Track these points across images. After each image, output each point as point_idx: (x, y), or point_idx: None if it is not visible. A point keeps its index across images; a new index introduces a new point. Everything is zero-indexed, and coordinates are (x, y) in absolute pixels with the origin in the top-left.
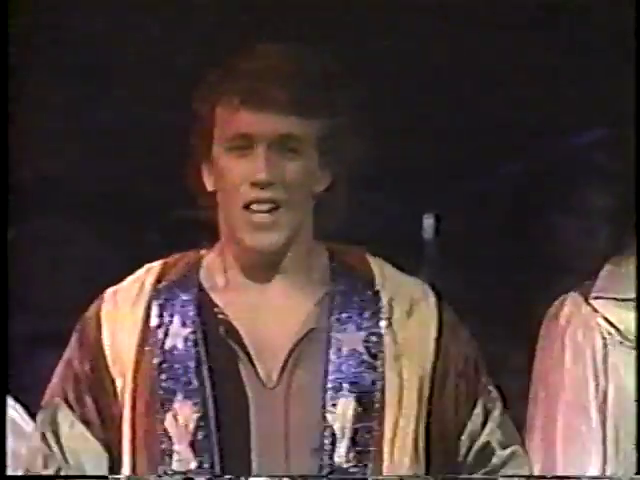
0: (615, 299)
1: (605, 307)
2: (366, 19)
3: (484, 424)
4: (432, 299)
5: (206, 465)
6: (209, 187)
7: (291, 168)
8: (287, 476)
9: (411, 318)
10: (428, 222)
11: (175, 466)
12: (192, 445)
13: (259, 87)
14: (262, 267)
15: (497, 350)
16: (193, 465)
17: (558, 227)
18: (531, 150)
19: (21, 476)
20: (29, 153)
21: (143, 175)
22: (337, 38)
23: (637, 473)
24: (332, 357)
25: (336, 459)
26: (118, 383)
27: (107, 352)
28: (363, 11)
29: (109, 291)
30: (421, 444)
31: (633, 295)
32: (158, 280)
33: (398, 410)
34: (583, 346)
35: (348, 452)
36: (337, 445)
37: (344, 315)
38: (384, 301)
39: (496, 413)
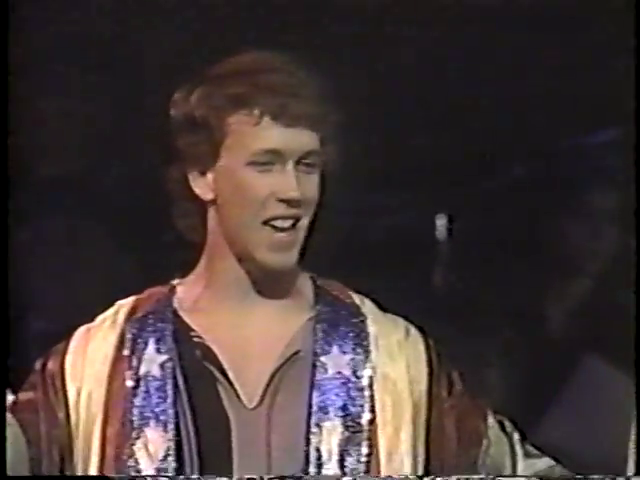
0: None
1: None
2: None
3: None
4: (416, 331)
5: None
6: (206, 196)
7: (311, 182)
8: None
9: (398, 344)
10: (441, 222)
11: None
12: (159, 472)
13: (289, 103)
14: (264, 284)
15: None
16: None
17: (568, 228)
18: (543, 151)
19: (21, 476)
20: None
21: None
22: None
23: (637, 473)
24: (317, 380)
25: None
26: (70, 399)
27: (68, 382)
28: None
29: (80, 329)
30: (420, 464)
31: None
32: (131, 314)
33: (389, 432)
34: None
35: (337, 477)
36: (324, 467)
37: (329, 339)
38: (370, 328)
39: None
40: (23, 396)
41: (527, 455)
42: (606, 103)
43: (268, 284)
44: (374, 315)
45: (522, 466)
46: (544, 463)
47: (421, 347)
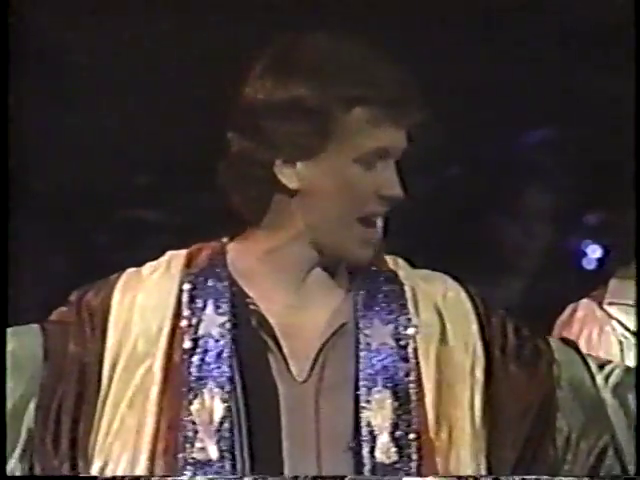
0: (627, 305)
1: (619, 312)
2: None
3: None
4: (458, 287)
5: (228, 456)
6: (292, 184)
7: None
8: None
9: (441, 303)
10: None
11: (196, 455)
12: (216, 434)
13: (401, 101)
14: (331, 273)
15: None
16: (214, 455)
17: (502, 227)
18: (477, 151)
19: (21, 476)
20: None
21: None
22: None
23: (637, 473)
24: (362, 352)
25: (377, 455)
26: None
27: (109, 338)
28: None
29: (129, 271)
30: (481, 432)
31: None
32: (186, 266)
33: (439, 399)
34: (597, 349)
35: (389, 448)
36: (377, 441)
37: (370, 310)
38: (408, 294)
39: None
40: (52, 322)
41: (600, 367)
42: (541, 103)
43: (340, 273)
44: (411, 278)
45: (599, 378)
46: (617, 368)
47: (464, 300)
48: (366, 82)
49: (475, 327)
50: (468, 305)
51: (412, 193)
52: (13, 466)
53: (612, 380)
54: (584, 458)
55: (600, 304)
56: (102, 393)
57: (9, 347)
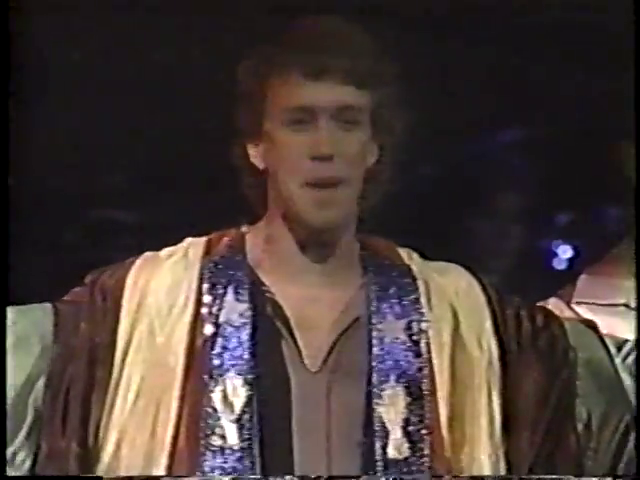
0: (596, 304)
1: (587, 312)
2: None
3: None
4: (472, 280)
5: (246, 445)
6: (260, 165)
7: (351, 141)
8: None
9: (454, 297)
10: None
11: (217, 442)
12: (237, 422)
13: (320, 58)
14: (315, 247)
15: None
16: (235, 442)
17: (474, 228)
18: (449, 151)
19: (21, 476)
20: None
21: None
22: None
23: (637, 473)
24: (375, 347)
25: (389, 451)
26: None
27: (123, 320)
28: None
29: (146, 254)
30: (497, 424)
31: (613, 300)
32: (205, 254)
33: (453, 395)
34: None
35: (401, 443)
36: (389, 437)
37: (383, 304)
38: (422, 288)
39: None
40: (65, 301)
41: (618, 347)
42: (510, 103)
43: (314, 247)
44: (425, 272)
45: (618, 359)
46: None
47: (478, 293)
48: (283, 47)
49: (489, 322)
50: (482, 298)
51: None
52: (19, 445)
53: (630, 360)
54: (606, 445)
55: (568, 303)
56: (114, 374)
57: (18, 326)
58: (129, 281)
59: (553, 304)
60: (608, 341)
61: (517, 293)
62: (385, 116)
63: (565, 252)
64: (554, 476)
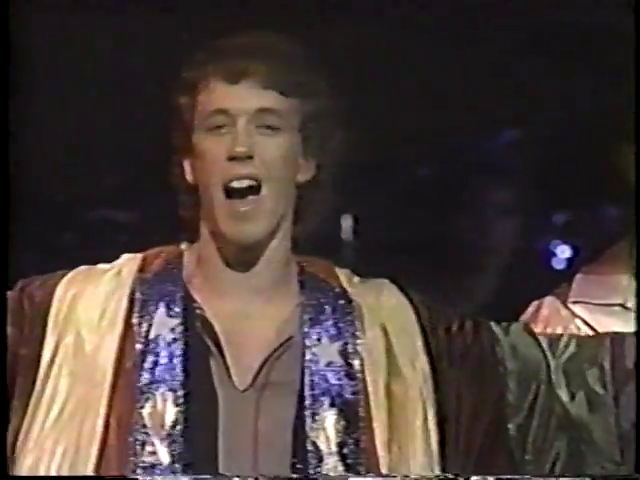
0: (592, 303)
1: (583, 311)
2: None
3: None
4: (402, 298)
5: (178, 460)
6: (190, 180)
7: (271, 145)
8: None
9: (387, 319)
10: (346, 223)
11: (146, 458)
12: (168, 437)
13: (237, 63)
14: (244, 263)
15: None
16: (166, 459)
17: (471, 228)
18: (445, 151)
19: (21, 476)
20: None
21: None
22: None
23: (637, 473)
24: (308, 369)
25: (323, 473)
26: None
27: (49, 333)
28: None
29: (80, 268)
30: (434, 443)
31: (610, 300)
32: (139, 271)
33: (389, 416)
34: None
35: (335, 466)
36: (323, 461)
37: (317, 327)
38: (357, 310)
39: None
40: None
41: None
42: (510, 104)
43: (243, 263)
44: (359, 294)
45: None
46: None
47: (408, 311)
48: (206, 56)
49: (420, 341)
50: (412, 317)
51: (381, 192)
52: None
53: (564, 357)
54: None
55: (564, 302)
56: (38, 386)
57: None
58: (58, 292)
59: (549, 303)
60: (544, 344)
61: (516, 292)
62: (318, 131)
63: (564, 252)
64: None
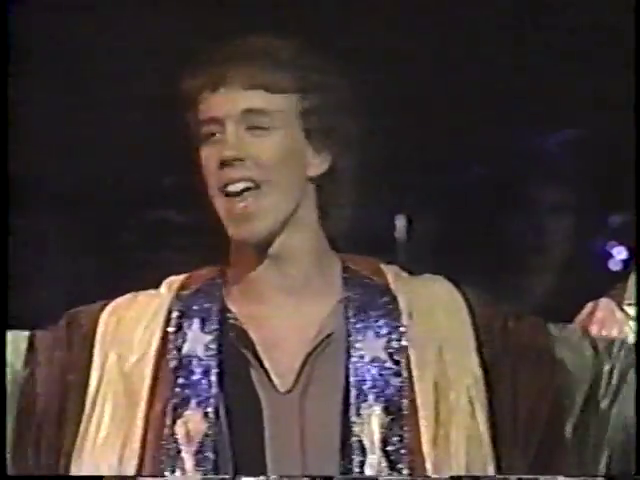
0: None
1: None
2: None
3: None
4: (456, 294)
5: (211, 474)
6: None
7: (264, 144)
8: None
9: (439, 316)
10: (400, 222)
11: (178, 474)
12: (197, 454)
13: (220, 70)
14: (273, 266)
15: None
16: (197, 476)
17: (528, 229)
18: (500, 150)
19: (22, 476)
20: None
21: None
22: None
23: (637, 473)
24: (353, 365)
25: (367, 471)
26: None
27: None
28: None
29: (115, 302)
30: (486, 443)
31: None
32: (180, 289)
33: (436, 413)
34: None
35: (379, 463)
36: (367, 458)
37: (362, 322)
38: (403, 305)
39: None
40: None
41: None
42: (565, 104)
43: (272, 266)
44: (407, 289)
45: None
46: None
47: (462, 308)
48: (200, 70)
49: (472, 339)
50: (465, 313)
51: (434, 193)
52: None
53: (620, 359)
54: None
55: (619, 304)
56: (87, 410)
57: None
58: (104, 316)
59: (604, 304)
60: (600, 346)
61: (571, 293)
62: (323, 124)
63: (620, 253)
64: (549, 476)
